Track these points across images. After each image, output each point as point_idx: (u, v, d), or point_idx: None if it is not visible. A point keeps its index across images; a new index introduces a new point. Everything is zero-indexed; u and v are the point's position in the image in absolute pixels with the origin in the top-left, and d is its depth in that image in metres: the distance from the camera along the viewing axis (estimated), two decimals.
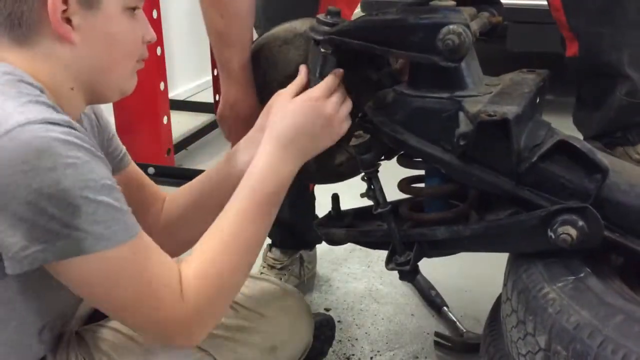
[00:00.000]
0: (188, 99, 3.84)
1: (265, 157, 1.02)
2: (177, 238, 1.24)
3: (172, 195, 1.27)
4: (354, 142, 1.15)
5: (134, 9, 0.99)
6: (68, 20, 0.92)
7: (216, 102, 3.49)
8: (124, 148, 1.22)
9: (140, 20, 1.02)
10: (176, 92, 3.77)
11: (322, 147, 1.10)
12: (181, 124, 3.25)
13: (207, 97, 3.60)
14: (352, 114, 1.20)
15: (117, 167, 1.19)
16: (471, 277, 1.96)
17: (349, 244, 2.18)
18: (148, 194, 1.25)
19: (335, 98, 1.08)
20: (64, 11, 0.91)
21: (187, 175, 2.70)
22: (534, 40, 3.16)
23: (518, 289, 1.06)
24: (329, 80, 1.10)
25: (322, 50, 1.15)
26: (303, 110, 1.04)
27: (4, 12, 0.91)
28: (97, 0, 0.94)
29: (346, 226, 1.33)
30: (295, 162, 1.03)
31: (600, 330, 0.91)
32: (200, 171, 2.92)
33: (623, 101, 1.63)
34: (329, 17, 1.16)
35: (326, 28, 1.15)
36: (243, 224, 1.00)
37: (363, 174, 1.21)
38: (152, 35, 1.04)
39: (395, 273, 1.24)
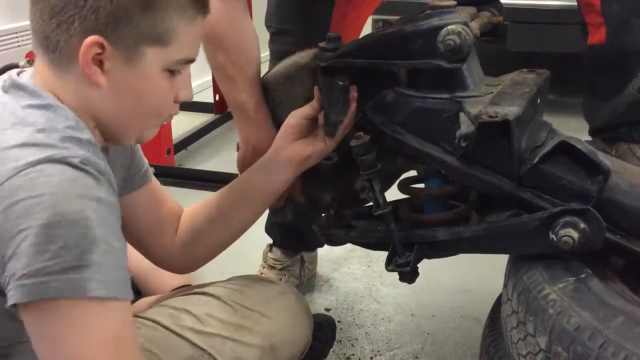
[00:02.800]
0: None
1: None
2: (192, 254, 1.24)
3: (187, 212, 1.26)
4: (354, 143, 1.15)
5: (174, 71, 0.95)
6: (100, 63, 0.89)
7: (216, 102, 3.49)
8: (147, 162, 1.21)
9: (181, 80, 0.97)
10: None
11: None
12: (181, 124, 3.24)
13: (207, 97, 3.59)
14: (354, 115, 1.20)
15: (139, 182, 1.18)
16: (471, 277, 1.95)
17: (349, 243, 2.19)
18: (168, 209, 1.24)
19: None
20: (99, 53, 0.88)
21: (187, 175, 2.71)
22: (534, 40, 3.16)
23: (518, 289, 1.06)
24: None
25: (340, 83, 1.16)
26: None
27: (40, 33, 0.89)
28: (138, 56, 0.90)
29: (345, 227, 1.33)
30: None
31: (601, 331, 0.91)
32: (200, 171, 2.92)
33: (635, 96, 1.64)
34: (330, 42, 1.16)
35: (329, 54, 1.16)
36: None
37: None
38: (187, 95, 0.99)
39: (395, 273, 1.24)
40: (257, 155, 1.28)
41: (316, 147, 1.19)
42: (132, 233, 1.22)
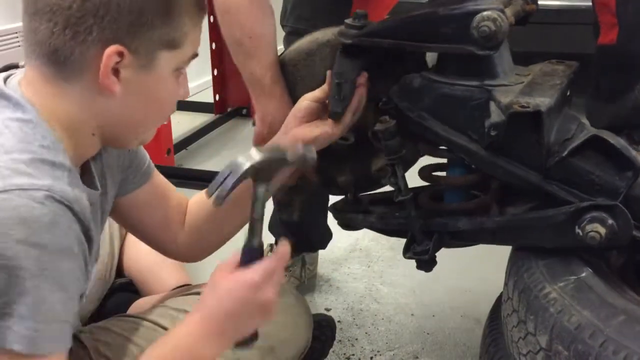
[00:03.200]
0: (188, 99, 3.84)
1: (188, 331, 0.92)
2: (201, 242, 1.24)
3: (194, 201, 1.26)
4: (379, 127, 1.14)
5: (181, 69, 0.96)
6: (116, 71, 0.88)
7: (216, 102, 3.49)
8: (148, 158, 1.20)
9: (182, 77, 0.98)
10: None
11: (250, 330, 0.95)
12: (181, 124, 3.25)
13: (207, 97, 3.60)
14: (376, 100, 1.19)
15: (141, 180, 1.17)
16: (471, 277, 1.95)
17: (348, 244, 2.19)
18: (174, 202, 1.23)
19: (275, 279, 0.94)
20: (116, 62, 0.87)
21: (187, 175, 2.71)
22: (534, 40, 3.15)
23: (519, 288, 1.06)
24: (271, 264, 0.93)
25: (336, 81, 1.14)
26: (239, 296, 0.91)
27: (50, 45, 0.86)
28: (154, 62, 0.90)
29: (362, 212, 1.32)
30: (218, 345, 0.92)
31: (602, 330, 0.91)
32: (200, 171, 2.91)
33: (639, 100, 1.63)
34: (356, 20, 1.14)
35: (354, 31, 1.14)
36: None
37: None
38: (187, 92, 1.00)
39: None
40: (273, 131, 1.26)
41: (323, 131, 1.18)
42: (139, 229, 1.22)
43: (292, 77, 1.31)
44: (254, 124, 1.38)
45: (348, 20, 1.15)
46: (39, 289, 0.79)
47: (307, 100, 1.20)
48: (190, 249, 1.25)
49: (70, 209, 0.83)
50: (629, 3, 1.60)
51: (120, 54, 0.86)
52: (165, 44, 0.90)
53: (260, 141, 1.31)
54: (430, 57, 1.23)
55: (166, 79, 0.93)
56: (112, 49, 0.85)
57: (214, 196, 0.91)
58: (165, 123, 2.70)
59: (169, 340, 0.92)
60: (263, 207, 0.94)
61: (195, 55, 0.96)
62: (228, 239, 1.26)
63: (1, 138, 0.83)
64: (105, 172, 1.05)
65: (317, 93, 1.19)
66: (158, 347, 0.91)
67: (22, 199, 0.78)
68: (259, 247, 0.93)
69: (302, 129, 1.18)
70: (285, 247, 0.95)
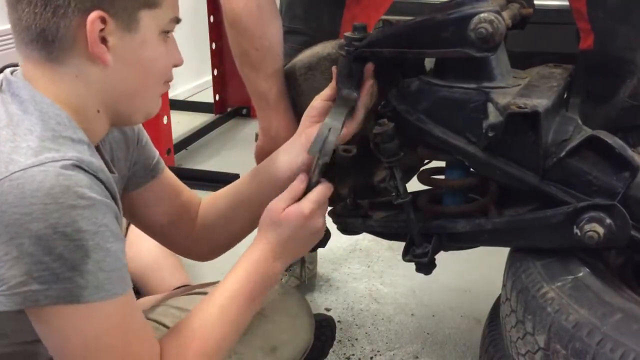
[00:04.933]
0: (188, 99, 3.85)
1: (257, 256, 1.05)
2: (213, 241, 1.25)
3: (207, 200, 1.27)
4: (377, 130, 1.14)
5: (167, 32, 0.97)
6: (104, 40, 0.89)
7: (216, 102, 3.50)
8: (157, 154, 1.20)
9: (171, 43, 0.99)
10: (176, 92, 3.77)
11: (304, 252, 1.14)
12: (181, 124, 3.25)
13: (207, 97, 3.60)
14: (377, 110, 1.20)
15: (149, 175, 1.18)
16: (471, 277, 1.96)
17: (349, 244, 2.19)
18: (184, 200, 1.24)
19: (323, 210, 1.09)
20: (101, 30, 0.88)
21: (187, 175, 2.70)
22: (534, 40, 3.16)
23: (517, 288, 1.07)
24: (319, 195, 1.07)
25: (345, 52, 1.15)
26: (296, 224, 1.04)
27: (36, 27, 0.88)
28: (136, 23, 0.91)
29: (362, 216, 1.33)
30: (283, 264, 1.08)
31: (599, 328, 0.91)
32: (200, 171, 2.91)
33: (626, 103, 1.64)
34: (356, 32, 1.15)
35: (355, 43, 1.15)
36: (228, 309, 1.01)
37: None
38: (180, 59, 1.02)
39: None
40: (275, 145, 1.26)
41: None
42: (147, 225, 1.23)
43: (293, 91, 1.31)
44: (257, 139, 1.39)
45: (347, 34, 1.16)
46: (100, 245, 0.83)
47: (318, 99, 1.21)
48: (199, 248, 1.26)
49: (98, 178, 0.86)
50: (600, 9, 1.61)
51: (103, 20, 0.88)
52: (143, 2, 0.92)
53: (262, 155, 1.31)
54: (428, 61, 1.24)
55: (153, 40, 0.95)
56: (93, 14, 0.87)
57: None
58: (165, 123, 2.71)
59: (240, 268, 1.04)
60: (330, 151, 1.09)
61: (178, 20, 0.98)
62: (238, 239, 1.26)
63: (24, 122, 0.86)
64: (115, 164, 1.07)
65: (327, 91, 1.20)
66: (234, 275, 1.03)
67: (57, 169, 0.82)
68: (316, 184, 1.08)
69: (314, 129, 1.18)
70: (326, 183, 1.08)
